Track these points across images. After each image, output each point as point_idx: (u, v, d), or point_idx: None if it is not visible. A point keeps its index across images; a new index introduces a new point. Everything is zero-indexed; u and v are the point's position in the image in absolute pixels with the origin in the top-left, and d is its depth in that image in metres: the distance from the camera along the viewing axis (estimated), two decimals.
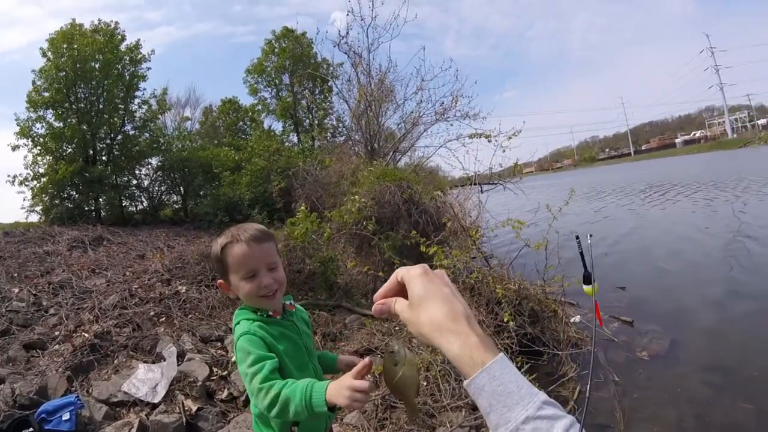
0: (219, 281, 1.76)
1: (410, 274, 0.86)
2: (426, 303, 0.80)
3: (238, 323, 1.66)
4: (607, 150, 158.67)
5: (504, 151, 9.66)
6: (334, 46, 13.07)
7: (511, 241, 6.23)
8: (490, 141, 9.97)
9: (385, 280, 0.92)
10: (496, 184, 10.69)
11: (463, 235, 7.04)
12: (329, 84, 18.96)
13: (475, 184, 10.05)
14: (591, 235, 3.89)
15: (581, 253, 3.59)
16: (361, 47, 12.92)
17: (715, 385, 4.13)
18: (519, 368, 3.16)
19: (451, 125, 12.33)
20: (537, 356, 4.74)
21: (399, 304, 0.86)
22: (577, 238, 3.68)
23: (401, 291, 0.88)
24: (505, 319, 4.53)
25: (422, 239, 5.72)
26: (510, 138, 9.62)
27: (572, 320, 5.41)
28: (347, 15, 12.55)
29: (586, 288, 3.51)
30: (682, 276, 7.46)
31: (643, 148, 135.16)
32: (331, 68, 17.27)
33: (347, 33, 12.74)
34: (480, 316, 4.83)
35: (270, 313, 1.70)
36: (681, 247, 9.34)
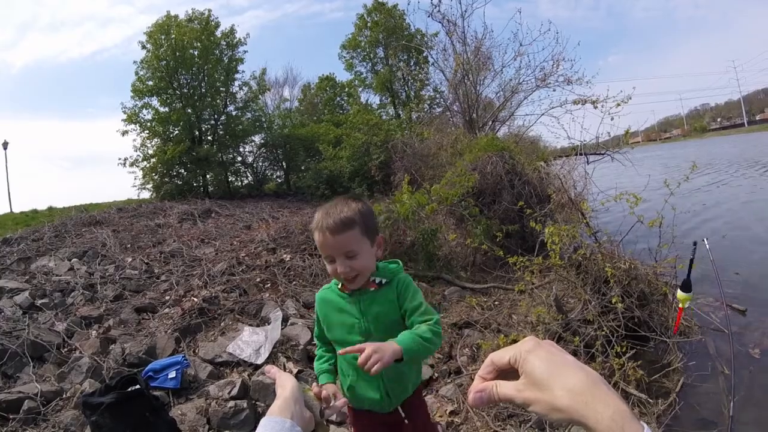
0: None
1: (522, 349, 0.73)
2: (558, 375, 0.68)
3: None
4: (719, 119, 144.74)
5: (612, 118, 8.95)
6: (428, 16, 12.70)
7: (621, 218, 5.72)
8: (596, 107, 9.30)
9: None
10: (603, 154, 9.94)
11: (570, 208, 6.62)
12: (424, 54, 18.62)
13: (580, 154, 9.46)
14: (707, 239, 3.70)
15: (691, 260, 3.43)
16: (454, 14, 12.46)
17: None
18: (624, 353, 2.90)
19: (554, 91, 11.48)
20: (643, 341, 4.38)
21: (505, 387, 0.73)
22: (695, 244, 3.52)
23: (500, 376, 0.77)
24: (613, 301, 4.19)
25: (528, 210, 5.44)
26: (619, 104, 8.84)
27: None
28: None
29: (681, 294, 3.34)
30: None
31: (757, 118, 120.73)
32: (426, 38, 16.91)
33: (440, 1, 12.35)
34: (586, 296, 4.52)
35: (341, 285, 1.88)
36: None
